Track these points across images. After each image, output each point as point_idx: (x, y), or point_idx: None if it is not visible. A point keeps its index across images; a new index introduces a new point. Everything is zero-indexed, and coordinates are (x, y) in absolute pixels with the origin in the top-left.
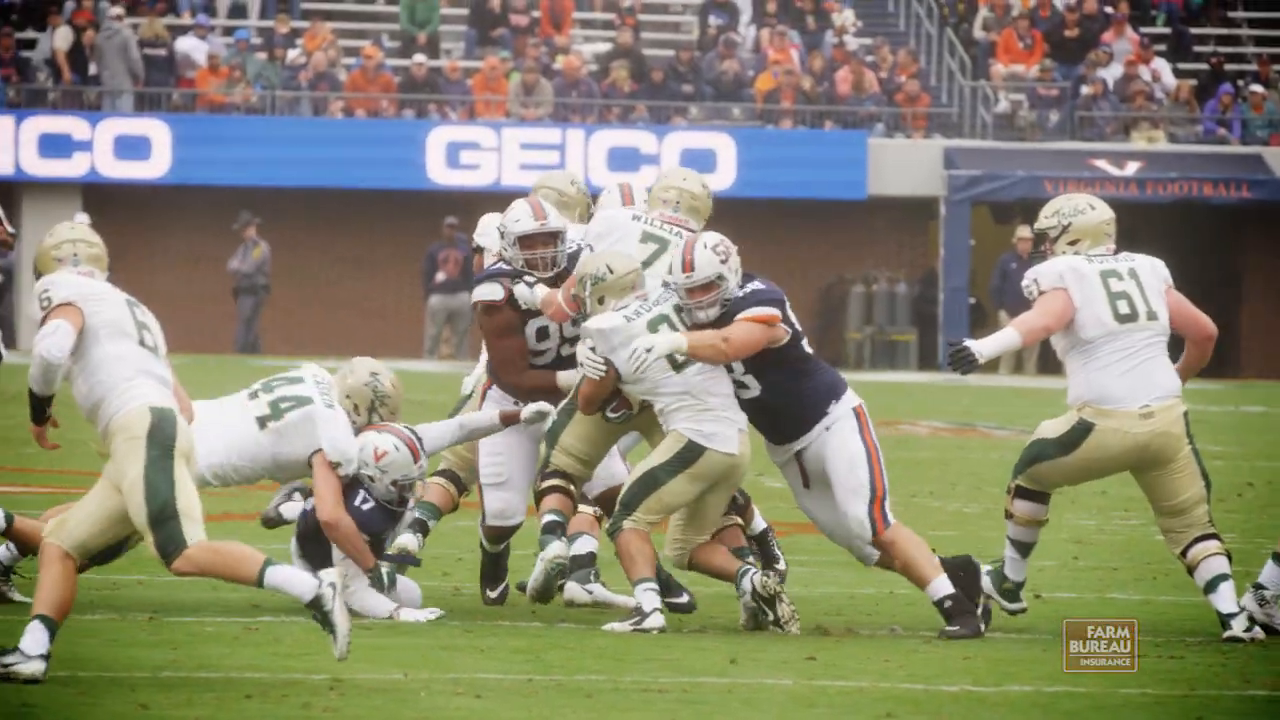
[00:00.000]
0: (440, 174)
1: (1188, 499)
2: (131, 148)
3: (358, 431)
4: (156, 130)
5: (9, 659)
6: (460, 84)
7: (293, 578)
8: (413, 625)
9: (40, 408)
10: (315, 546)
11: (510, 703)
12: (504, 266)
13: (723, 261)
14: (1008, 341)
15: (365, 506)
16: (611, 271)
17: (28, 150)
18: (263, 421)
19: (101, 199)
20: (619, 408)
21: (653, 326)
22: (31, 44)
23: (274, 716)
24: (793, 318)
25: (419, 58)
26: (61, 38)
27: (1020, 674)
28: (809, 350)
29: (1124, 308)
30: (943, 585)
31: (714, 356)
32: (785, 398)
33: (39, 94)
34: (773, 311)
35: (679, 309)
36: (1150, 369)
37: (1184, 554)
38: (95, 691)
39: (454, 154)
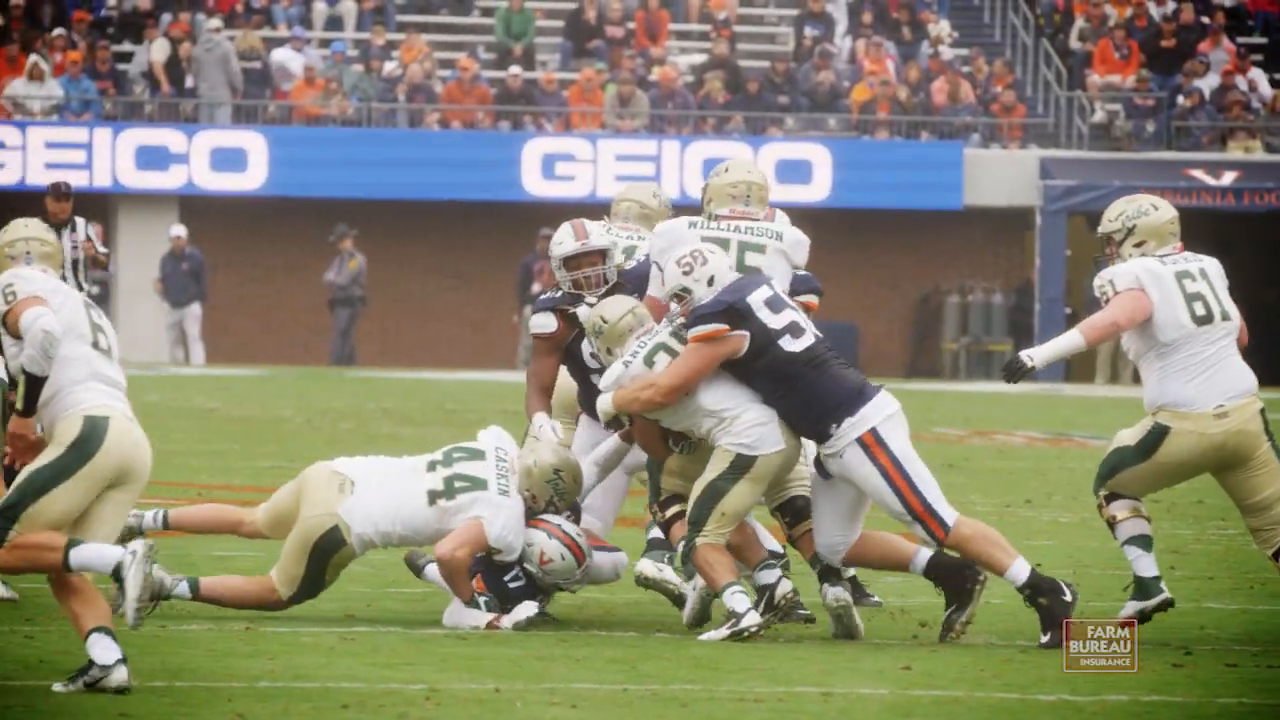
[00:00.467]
0: (536, 185)
1: (1269, 495)
2: (228, 160)
3: (529, 515)
4: (253, 142)
5: (90, 675)
6: (556, 96)
7: (97, 553)
8: (508, 636)
9: (33, 395)
10: (492, 579)
11: (605, 713)
12: (557, 295)
13: (685, 273)
14: (1069, 344)
15: (513, 585)
16: (605, 321)
17: (124, 162)
18: (433, 497)
19: (198, 211)
20: (677, 440)
21: (648, 359)
22: (128, 57)
23: None
24: (763, 319)
25: (515, 69)
26: (158, 50)
27: (1118, 683)
28: (804, 351)
29: (1200, 309)
30: (1021, 570)
31: (647, 406)
32: (779, 408)
33: (136, 107)
34: (712, 327)
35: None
36: (1224, 369)
37: (1276, 555)
38: (192, 701)
39: (549, 165)
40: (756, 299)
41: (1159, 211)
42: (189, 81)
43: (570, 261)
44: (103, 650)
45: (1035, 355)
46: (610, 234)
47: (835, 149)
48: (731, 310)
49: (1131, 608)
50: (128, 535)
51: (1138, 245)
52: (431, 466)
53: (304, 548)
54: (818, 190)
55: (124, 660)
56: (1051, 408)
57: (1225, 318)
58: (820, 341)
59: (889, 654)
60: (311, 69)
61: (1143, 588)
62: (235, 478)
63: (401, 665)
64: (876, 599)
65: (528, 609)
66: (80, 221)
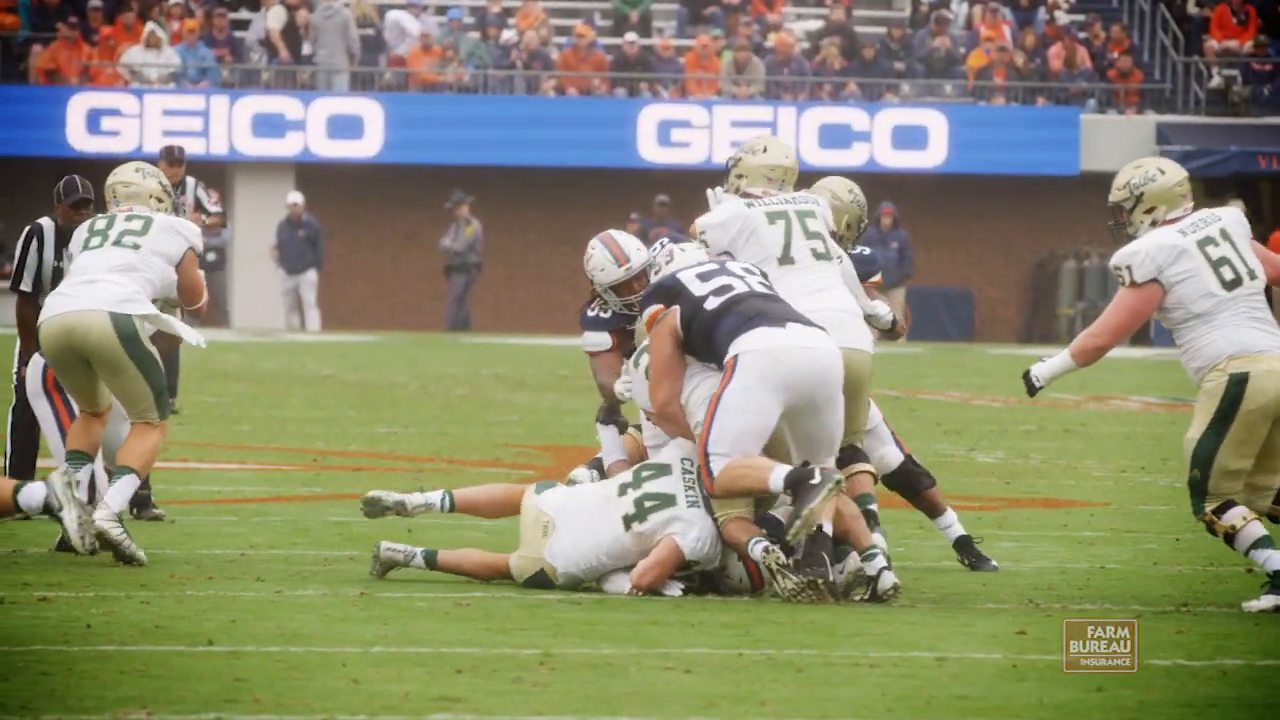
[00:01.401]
0: (651, 152)
1: None
2: (344, 127)
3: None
4: (369, 109)
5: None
6: (672, 62)
7: (33, 489)
8: (623, 601)
9: None
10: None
11: (720, 677)
12: (607, 316)
13: (655, 273)
14: (1063, 364)
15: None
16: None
17: (241, 130)
18: (628, 522)
19: (314, 178)
20: None
21: (635, 362)
22: (245, 24)
23: (485, 690)
24: (692, 289)
25: (631, 36)
26: (275, 17)
27: (1233, 648)
28: (722, 302)
29: (1228, 274)
30: (777, 477)
31: (659, 406)
32: (709, 362)
33: (252, 74)
34: (650, 310)
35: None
36: (1268, 322)
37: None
38: (307, 667)
39: (665, 132)
40: (688, 274)
41: (1166, 175)
42: (306, 49)
43: (618, 288)
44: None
45: (1039, 373)
46: (639, 249)
47: (951, 115)
48: (661, 289)
49: (1269, 601)
50: (385, 570)
51: (1148, 211)
52: (622, 490)
53: (520, 578)
54: (933, 156)
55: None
56: (1167, 373)
57: (1252, 276)
58: (748, 291)
59: (1003, 618)
60: (428, 36)
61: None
62: (351, 443)
63: (515, 630)
64: (994, 564)
65: (674, 588)
66: (190, 182)
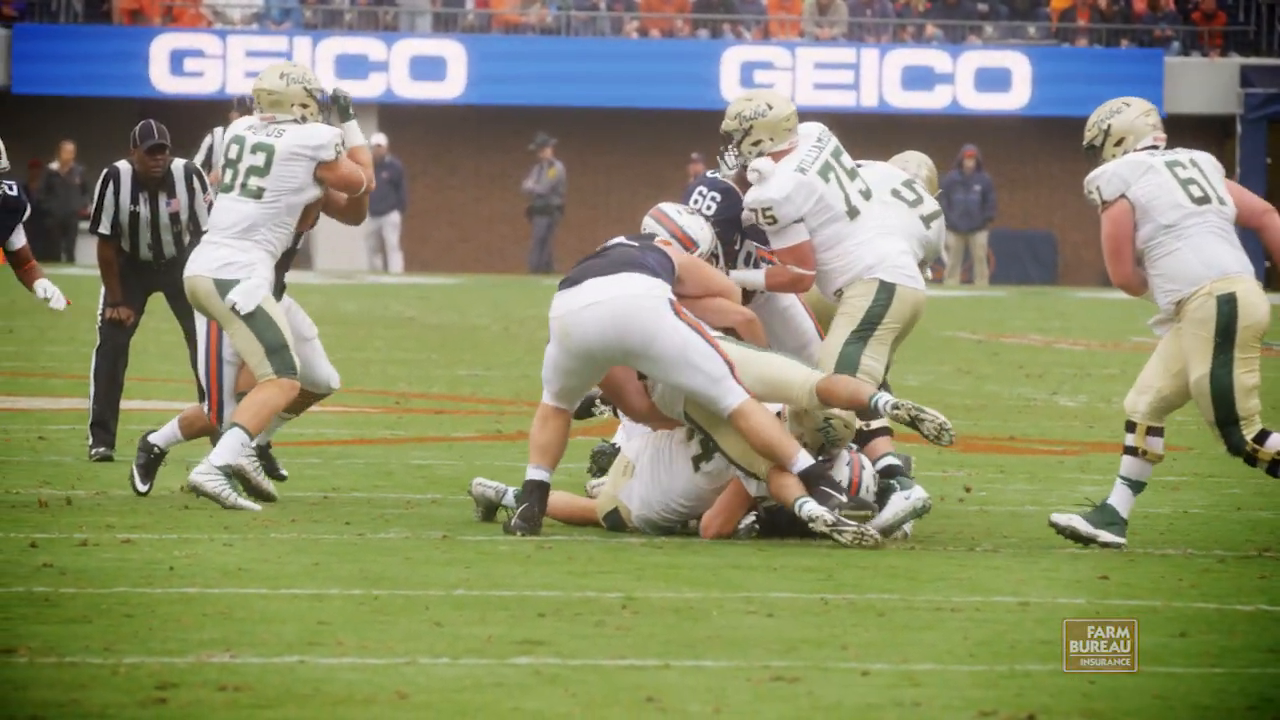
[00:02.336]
0: (734, 93)
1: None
2: (427, 68)
3: None
4: (452, 51)
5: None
6: (755, 3)
7: None
8: (705, 545)
9: None
10: None
11: (802, 621)
12: None
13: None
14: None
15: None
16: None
17: (324, 71)
18: (697, 463)
19: (397, 120)
20: None
21: None
22: None
23: (568, 634)
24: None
25: None
26: None
27: None
28: None
29: (1196, 191)
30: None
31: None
32: None
33: (335, 15)
34: None
35: None
36: (1237, 248)
37: (1148, 432)
38: (390, 609)
39: (748, 73)
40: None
41: (1131, 108)
42: None
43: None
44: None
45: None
46: (702, 228)
47: (1034, 57)
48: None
49: None
50: (488, 511)
51: (1118, 144)
52: (691, 433)
53: (599, 514)
54: (1016, 98)
55: None
56: None
57: (1221, 202)
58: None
59: (1086, 563)
60: None
61: None
62: (433, 386)
63: (598, 574)
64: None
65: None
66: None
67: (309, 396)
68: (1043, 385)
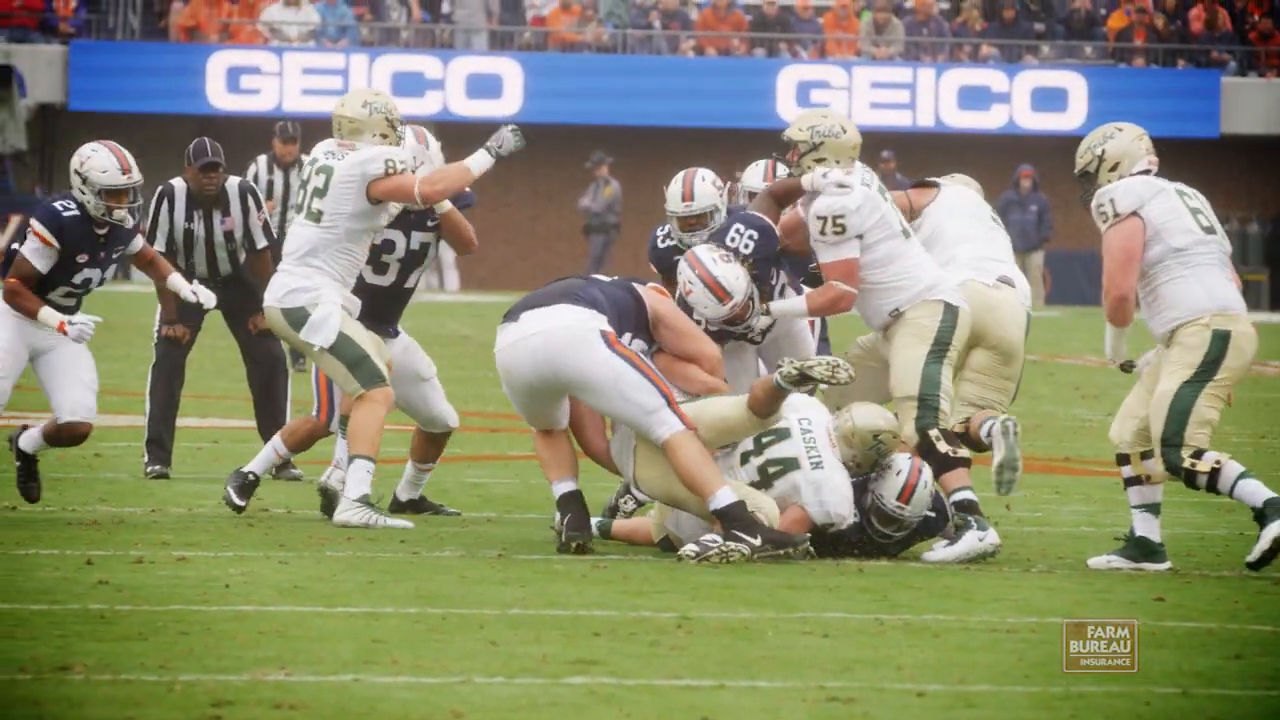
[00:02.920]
0: (790, 112)
1: None
2: (484, 86)
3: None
4: (509, 69)
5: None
6: (812, 22)
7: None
8: (760, 565)
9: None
10: None
11: (857, 642)
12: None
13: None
14: (1110, 333)
15: None
16: None
17: (380, 88)
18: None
19: (453, 137)
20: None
21: None
22: None
23: (622, 654)
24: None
25: None
26: None
27: None
28: None
29: (1203, 221)
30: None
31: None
32: None
33: (392, 32)
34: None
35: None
36: (1236, 283)
37: (1143, 457)
38: (445, 628)
39: (804, 92)
40: None
41: (1124, 133)
42: (445, 7)
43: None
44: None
45: (1115, 354)
46: (738, 278)
47: (1091, 77)
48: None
49: (1269, 535)
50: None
51: (1112, 169)
52: (745, 459)
53: (654, 537)
54: (1073, 118)
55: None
56: None
57: (1222, 235)
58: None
59: (1142, 584)
60: None
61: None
62: (488, 404)
63: (653, 593)
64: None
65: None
66: (306, 160)
67: (433, 438)
68: (1099, 406)
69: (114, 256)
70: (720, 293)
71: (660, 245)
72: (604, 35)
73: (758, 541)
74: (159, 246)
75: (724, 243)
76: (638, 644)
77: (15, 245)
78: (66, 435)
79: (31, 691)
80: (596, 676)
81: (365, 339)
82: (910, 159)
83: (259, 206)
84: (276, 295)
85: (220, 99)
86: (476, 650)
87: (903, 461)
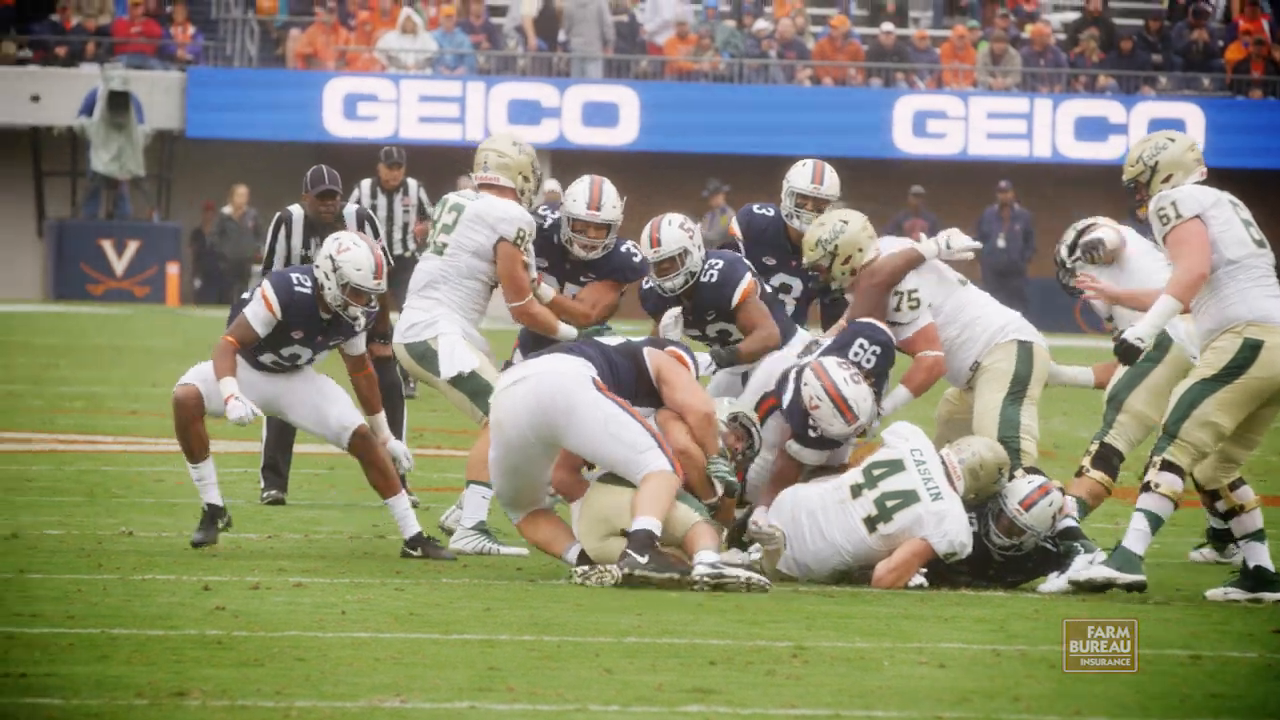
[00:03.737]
0: (906, 143)
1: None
2: (600, 114)
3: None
4: (625, 97)
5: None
6: (928, 52)
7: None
8: (876, 595)
9: None
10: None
11: (973, 673)
12: None
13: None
14: (1165, 310)
15: None
16: None
17: (497, 117)
18: (872, 524)
19: (570, 165)
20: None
21: None
22: (502, 10)
23: (738, 682)
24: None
25: (887, 26)
26: (531, 4)
27: None
28: None
29: (1255, 234)
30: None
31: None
32: None
33: (509, 61)
34: None
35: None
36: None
37: (1232, 488)
38: (561, 656)
39: (920, 122)
40: None
41: (1176, 142)
42: (561, 35)
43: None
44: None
45: (1143, 334)
46: (861, 389)
47: (1208, 108)
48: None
49: (1101, 571)
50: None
51: (1165, 180)
52: (856, 491)
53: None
54: None
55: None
56: None
57: (1269, 249)
58: None
59: (1259, 616)
60: (683, 24)
61: (1128, 560)
62: None
63: (768, 623)
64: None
65: (915, 578)
66: (413, 184)
67: None
68: None
69: (330, 344)
70: (848, 414)
71: (644, 287)
72: (720, 64)
73: (644, 559)
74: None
75: (847, 356)
76: (753, 673)
77: (246, 295)
78: (360, 448)
79: (148, 717)
80: (712, 705)
81: (488, 367)
82: (1027, 190)
83: (375, 235)
84: (400, 331)
85: (337, 126)
86: (592, 678)
87: (1036, 478)
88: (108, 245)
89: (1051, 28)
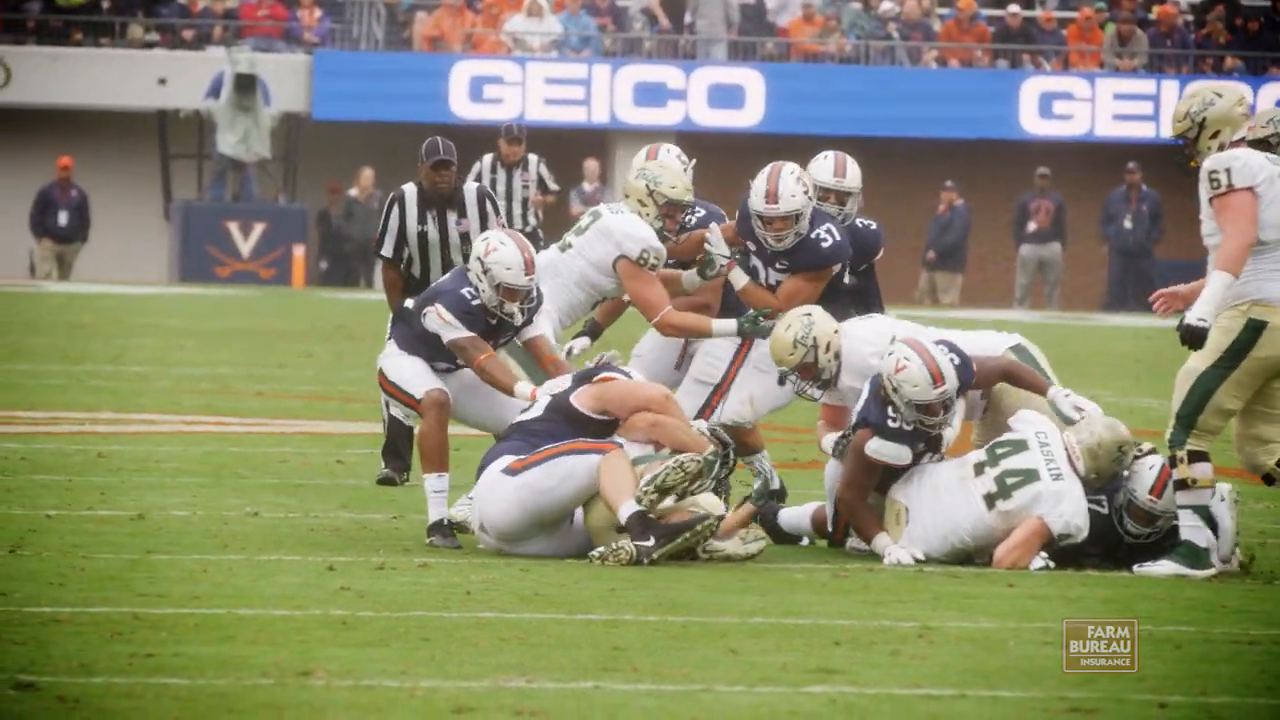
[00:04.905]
0: (1033, 124)
1: None
2: (726, 96)
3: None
4: (751, 79)
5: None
6: (1055, 34)
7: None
8: (1000, 574)
9: None
10: None
11: None
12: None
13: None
14: (1221, 285)
15: None
16: None
17: (623, 99)
18: (991, 500)
19: (695, 147)
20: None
21: None
22: None
23: (863, 663)
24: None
25: (1013, 8)
26: None
27: None
28: None
29: None
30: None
31: None
32: None
33: (634, 43)
34: None
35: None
36: None
37: (1268, 473)
38: (687, 636)
39: (1047, 104)
40: None
41: (1224, 97)
42: (686, 17)
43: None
44: None
45: (1203, 314)
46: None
47: None
48: None
49: (1171, 568)
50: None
51: (1213, 136)
52: (979, 469)
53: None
54: None
55: None
56: None
57: None
58: None
59: None
60: (810, 6)
61: (1194, 554)
62: None
63: (894, 603)
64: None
65: (1037, 561)
66: (533, 159)
67: None
68: None
69: (499, 343)
70: (937, 375)
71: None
72: (846, 46)
73: (650, 542)
74: (386, 251)
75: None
76: (878, 653)
77: (409, 304)
78: None
79: (273, 696)
80: (837, 685)
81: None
82: (1155, 171)
83: (497, 212)
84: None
85: (463, 108)
86: (717, 658)
87: (1154, 459)
88: (234, 227)
89: (1179, 8)
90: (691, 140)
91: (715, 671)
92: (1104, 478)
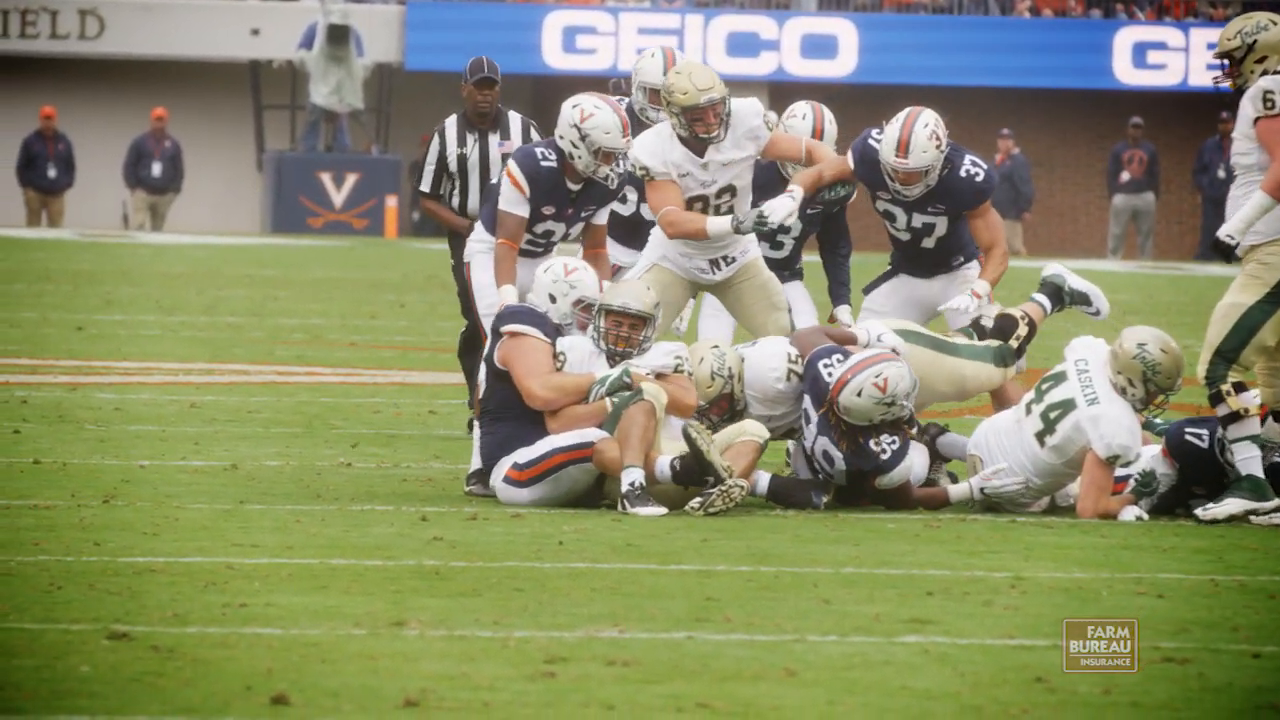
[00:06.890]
0: (1127, 74)
1: None
2: (818, 47)
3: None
4: (844, 29)
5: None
6: None
7: None
8: (1093, 525)
9: None
10: None
11: (1192, 603)
12: None
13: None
14: (1259, 205)
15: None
16: None
17: (715, 49)
18: (1040, 438)
19: (787, 98)
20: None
21: None
22: None
23: (955, 613)
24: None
25: None
26: None
27: None
28: None
29: None
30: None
31: None
32: None
33: None
34: None
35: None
36: None
37: None
38: (778, 586)
39: (1140, 53)
40: None
41: (1278, 25)
42: None
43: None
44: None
45: (1233, 230)
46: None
47: None
48: None
49: (1232, 506)
50: None
51: (1259, 61)
52: (1028, 409)
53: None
54: None
55: None
56: None
57: None
58: None
59: None
60: None
61: (1258, 486)
62: None
63: (986, 553)
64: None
65: (1129, 512)
66: (515, 118)
67: None
68: None
69: (582, 215)
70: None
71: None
72: None
73: (633, 506)
74: (425, 186)
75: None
76: (971, 603)
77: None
78: None
79: (366, 646)
80: (930, 635)
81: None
82: None
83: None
84: None
85: (555, 58)
86: (809, 609)
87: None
88: (326, 178)
89: None
90: (784, 90)
91: (808, 622)
92: (1136, 384)
